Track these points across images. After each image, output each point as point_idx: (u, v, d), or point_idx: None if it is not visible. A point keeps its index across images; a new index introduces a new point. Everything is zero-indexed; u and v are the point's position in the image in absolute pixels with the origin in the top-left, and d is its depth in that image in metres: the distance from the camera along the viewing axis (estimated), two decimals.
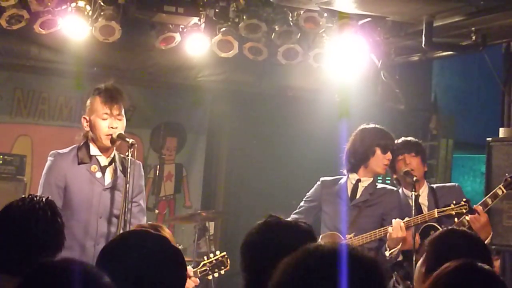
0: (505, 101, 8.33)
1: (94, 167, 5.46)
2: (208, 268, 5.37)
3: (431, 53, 8.60)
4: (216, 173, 10.11)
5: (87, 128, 5.49)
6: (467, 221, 6.06)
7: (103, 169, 5.50)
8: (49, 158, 5.52)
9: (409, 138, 6.60)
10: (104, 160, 5.51)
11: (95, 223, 5.37)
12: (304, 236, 3.21)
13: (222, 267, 5.43)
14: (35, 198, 3.56)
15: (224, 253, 5.46)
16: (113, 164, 5.54)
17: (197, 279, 5.16)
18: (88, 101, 5.56)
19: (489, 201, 6.23)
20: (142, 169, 5.78)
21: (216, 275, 5.43)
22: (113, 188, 5.49)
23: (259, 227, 3.31)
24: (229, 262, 5.44)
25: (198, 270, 5.33)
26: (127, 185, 5.29)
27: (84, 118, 5.51)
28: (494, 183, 7.02)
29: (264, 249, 3.18)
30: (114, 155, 5.56)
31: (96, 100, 5.49)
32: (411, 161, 6.39)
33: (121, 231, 5.13)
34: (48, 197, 3.65)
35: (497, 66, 8.32)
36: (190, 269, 5.17)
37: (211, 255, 5.46)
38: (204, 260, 5.42)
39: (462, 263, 2.85)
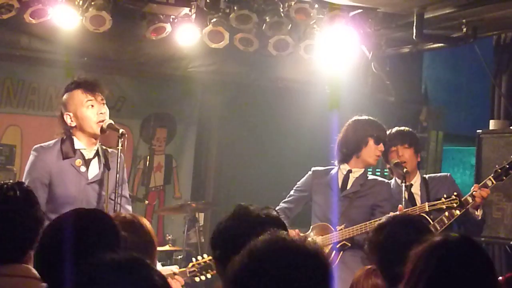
0: (496, 94, 8.36)
1: (78, 161, 5.41)
2: (196, 270, 5.37)
3: (422, 45, 8.60)
4: (206, 164, 10.11)
5: (73, 124, 5.41)
6: (457, 213, 6.09)
7: (87, 163, 5.45)
8: (33, 153, 5.45)
9: (402, 128, 6.60)
10: (88, 153, 5.47)
11: None
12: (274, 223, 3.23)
13: (210, 270, 5.41)
14: (0, 182, 3.53)
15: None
16: (97, 157, 5.50)
17: (183, 279, 5.17)
18: (65, 97, 5.47)
19: None
20: (123, 159, 5.72)
21: (203, 278, 5.42)
22: (96, 182, 5.46)
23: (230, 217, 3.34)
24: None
25: (188, 270, 5.33)
26: (117, 175, 5.29)
27: (67, 114, 5.41)
28: (484, 175, 7.03)
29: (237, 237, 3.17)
30: (98, 148, 5.52)
31: (76, 93, 5.42)
32: (403, 153, 6.41)
33: None
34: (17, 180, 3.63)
35: (487, 58, 8.34)
36: (175, 269, 5.18)
37: (199, 257, 5.45)
38: (193, 261, 5.42)
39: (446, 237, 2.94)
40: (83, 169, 5.43)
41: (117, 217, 4.00)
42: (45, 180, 5.35)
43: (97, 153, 5.49)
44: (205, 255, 5.50)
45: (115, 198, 5.34)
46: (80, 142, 5.44)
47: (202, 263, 5.38)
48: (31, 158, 5.46)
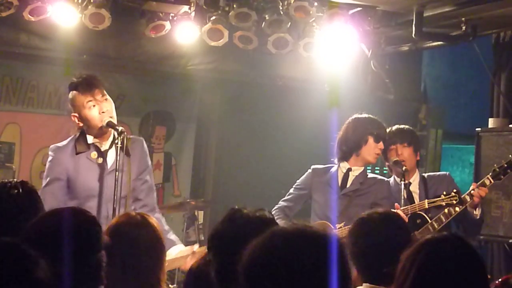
0: (495, 92, 8.36)
1: (94, 154, 5.50)
2: None
3: (421, 43, 8.60)
4: (205, 162, 10.11)
5: (81, 124, 5.51)
6: (455, 211, 6.09)
7: (103, 154, 5.52)
8: (50, 153, 5.57)
9: (402, 127, 6.60)
10: (103, 146, 5.53)
11: (105, 209, 5.39)
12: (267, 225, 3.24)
13: None
14: (5, 180, 3.55)
15: None
16: (114, 146, 5.53)
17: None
18: (70, 98, 5.57)
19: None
20: (145, 145, 5.78)
21: None
22: (117, 170, 5.47)
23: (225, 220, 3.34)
24: None
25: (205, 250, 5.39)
26: (119, 172, 5.29)
27: (74, 116, 5.51)
28: (483, 173, 7.04)
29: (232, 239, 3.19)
30: (114, 138, 5.56)
31: (76, 95, 5.49)
32: (402, 152, 6.40)
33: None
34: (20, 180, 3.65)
35: (487, 56, 8.34)
36: (195, 247, 5.26)
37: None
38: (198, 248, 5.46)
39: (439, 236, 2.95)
40: (99, 161, 5.49)
41: (126, 216, 4.02)
42: (63, 177, 5.45)
43: (113, 143, 5.53)
44: None
45: (117, 195, 5.34)
46: (92, 137, 5.52)
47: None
48: (48, 158, 5.58)
